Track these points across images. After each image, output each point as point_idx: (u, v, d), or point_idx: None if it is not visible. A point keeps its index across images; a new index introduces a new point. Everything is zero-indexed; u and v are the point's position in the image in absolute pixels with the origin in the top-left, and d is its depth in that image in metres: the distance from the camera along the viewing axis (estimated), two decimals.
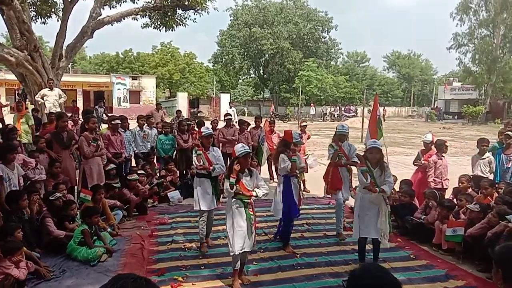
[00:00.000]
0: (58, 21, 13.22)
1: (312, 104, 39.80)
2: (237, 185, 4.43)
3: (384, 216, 4.94)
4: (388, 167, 5.03)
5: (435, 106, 47.19)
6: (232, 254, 4.49)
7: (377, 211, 4.95)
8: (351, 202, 6.58)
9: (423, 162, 7.46)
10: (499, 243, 4.71)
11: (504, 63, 36.66)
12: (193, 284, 4.59)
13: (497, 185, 6.64)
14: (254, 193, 4.51)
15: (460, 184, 6.79)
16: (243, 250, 4.45)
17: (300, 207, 5.86)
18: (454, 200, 6.49)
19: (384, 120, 22.53)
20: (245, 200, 4.49)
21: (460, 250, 5.46)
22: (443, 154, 7.27)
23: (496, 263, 2.04)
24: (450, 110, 43.97)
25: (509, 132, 7.38)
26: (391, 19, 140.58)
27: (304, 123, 10.63)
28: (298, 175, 5.83)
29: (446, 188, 7.21)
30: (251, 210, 4.53)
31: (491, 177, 7.05)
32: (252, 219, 4.49)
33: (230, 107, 19.74)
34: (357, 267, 1.60)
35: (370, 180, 4.85)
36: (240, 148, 4.52)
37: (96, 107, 19.25)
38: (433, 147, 7.50)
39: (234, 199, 4.48)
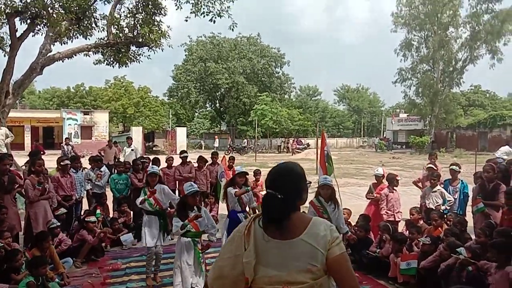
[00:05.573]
0: (5, 56, 12.71)
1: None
2: (189, 223, 4.56)
3: None
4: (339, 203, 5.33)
5: (384, 136, 49.33)
6: None
7: None
8: None
9: (375, 195, 7.70)
10: (451, 276, 4.92)
11: (444, 96, 39.28)
12: None
13: (446, 216, 6.94)
14: (205, 246, 4.87)
15: (411, 216, 7.04)
16: (194, 286, 4.59)
17: None
18: (407, 232, 6.70)
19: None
20: (195, 239, 4.69)
21: (414, 282, 5.59)
22: (394, 188, 7.54)
23: None
24: (398, 140, 46.07)
25: (431, 165, 7.98)
26: (341, 54, 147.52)
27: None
28: (248, 210, 6.01)
29: (399, 221, 7.44)
30: (199, 248, 4.73)
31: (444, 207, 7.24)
32: (200, 257, 4.68)
33: (129, 146, 13.88)
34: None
35: (324, 217, 4.96)
36: (188, 186, 4.67)
37: (63, 144, 18.45)
38: (384, 180, 7.78)
39: (183, 237, 4.65)
